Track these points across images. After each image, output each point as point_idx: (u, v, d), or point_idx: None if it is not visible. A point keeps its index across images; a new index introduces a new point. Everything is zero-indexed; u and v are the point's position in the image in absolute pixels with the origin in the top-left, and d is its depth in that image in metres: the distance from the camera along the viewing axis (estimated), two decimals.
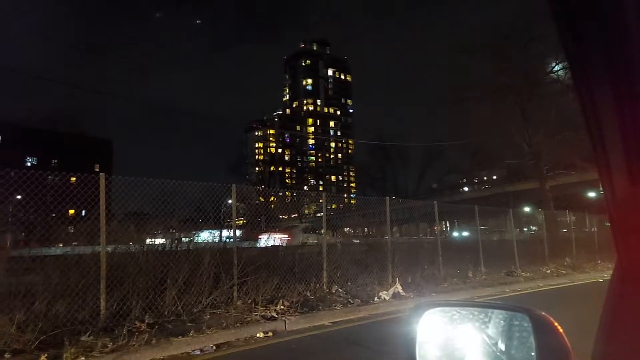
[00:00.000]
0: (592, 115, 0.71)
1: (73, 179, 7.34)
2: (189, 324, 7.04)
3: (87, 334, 6.09)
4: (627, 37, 0.62)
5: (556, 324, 1.03)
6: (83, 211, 7.64)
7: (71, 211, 8.02)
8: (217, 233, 11.80)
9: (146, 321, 6.87)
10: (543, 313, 1.07)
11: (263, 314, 7.89)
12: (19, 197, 7.29)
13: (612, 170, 0.72)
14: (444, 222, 25.36)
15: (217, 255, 8.39)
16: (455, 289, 11.52)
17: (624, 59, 0.63)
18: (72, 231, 8.13)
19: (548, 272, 15.71)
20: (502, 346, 1.21)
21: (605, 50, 0.65)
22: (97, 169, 47.64)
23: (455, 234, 25.71)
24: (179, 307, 7.43)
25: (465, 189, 68.71)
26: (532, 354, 1.03)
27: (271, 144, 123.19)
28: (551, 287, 13.23)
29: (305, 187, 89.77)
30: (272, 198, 29.11)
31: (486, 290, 11.81)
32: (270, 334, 7.14)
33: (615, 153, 0.70)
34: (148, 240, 8.96)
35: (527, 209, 28.48)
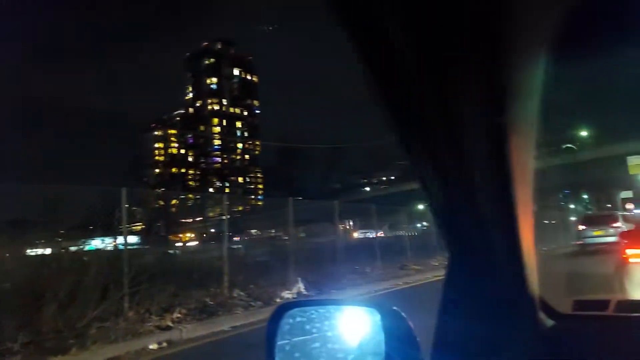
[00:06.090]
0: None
1: None
2: (71, 341, 6.46)
3: None
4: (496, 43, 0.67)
5: (403, 314, 1.14)
6: None
7: None
8: (108, 240, 10.96)
9: (19, 341, 6.17)
10: (394, 308, 1.17)
11: (158, 324, 7.52)
12: None
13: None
14: (347, 221, 26.27)
15: (105, 264, 7.81)
16: (354, 285, 12.02)
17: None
18: None
19: (436, 264, 17.02)
20: (355, 341, 1.29)
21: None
22: None
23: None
24: (60, 323, 6.78)
25: (367, 189, 72.04)
26: (383, 345, 1.12)
27: (172, 145, 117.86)
28: (438, 278, 14.39)
29: (210, 190, 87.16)
30: (173, 201, 27.80)
31: (382, 284, 12.52)
32: (164, 344, 6.85)
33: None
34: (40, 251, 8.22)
35: (421, 207, 30.60)
